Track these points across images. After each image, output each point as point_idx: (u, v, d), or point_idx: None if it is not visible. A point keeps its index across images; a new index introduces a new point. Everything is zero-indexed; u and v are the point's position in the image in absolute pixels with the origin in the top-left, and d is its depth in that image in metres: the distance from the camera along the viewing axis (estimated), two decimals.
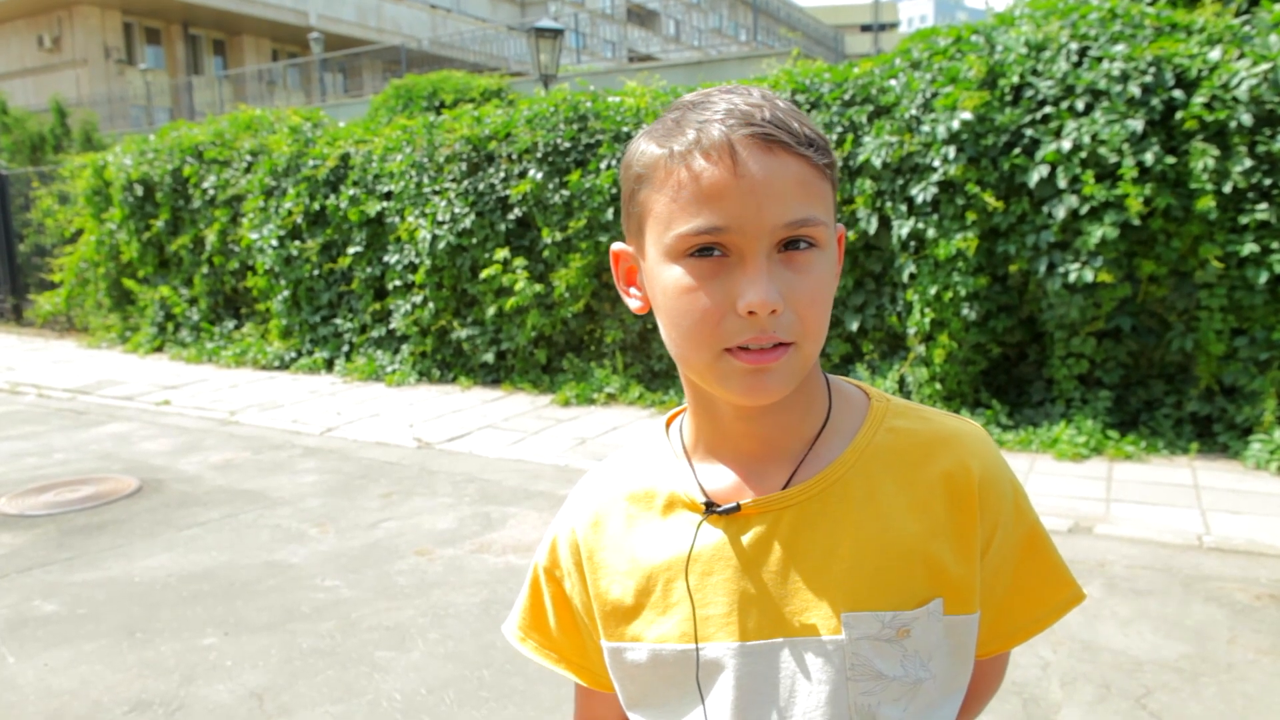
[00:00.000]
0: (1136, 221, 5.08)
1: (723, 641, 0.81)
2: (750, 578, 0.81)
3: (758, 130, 0.73)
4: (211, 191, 9.85)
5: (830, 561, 0.80)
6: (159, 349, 10.67)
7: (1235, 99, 4.99)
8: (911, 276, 5.88)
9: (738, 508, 0.81)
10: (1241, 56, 5.08)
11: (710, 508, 0.82)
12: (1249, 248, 4.94)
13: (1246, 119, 4.91)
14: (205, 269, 10.14)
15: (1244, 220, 4.99)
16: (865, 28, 55.41)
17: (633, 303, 0.85)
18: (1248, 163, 4.93)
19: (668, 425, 0.93)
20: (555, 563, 0.93)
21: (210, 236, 9.82)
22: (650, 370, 7.42)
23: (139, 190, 10.46)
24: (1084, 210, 5.20)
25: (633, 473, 0.91)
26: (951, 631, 0.81)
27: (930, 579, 0.80)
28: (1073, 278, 5.26)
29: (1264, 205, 4.94)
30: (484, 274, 7.61)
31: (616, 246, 0.86)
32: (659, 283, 0.77)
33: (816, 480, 0.81)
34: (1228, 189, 4.98)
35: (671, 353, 0.80)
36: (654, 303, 0.80)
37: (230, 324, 10.22)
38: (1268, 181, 4.94)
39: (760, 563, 0.81)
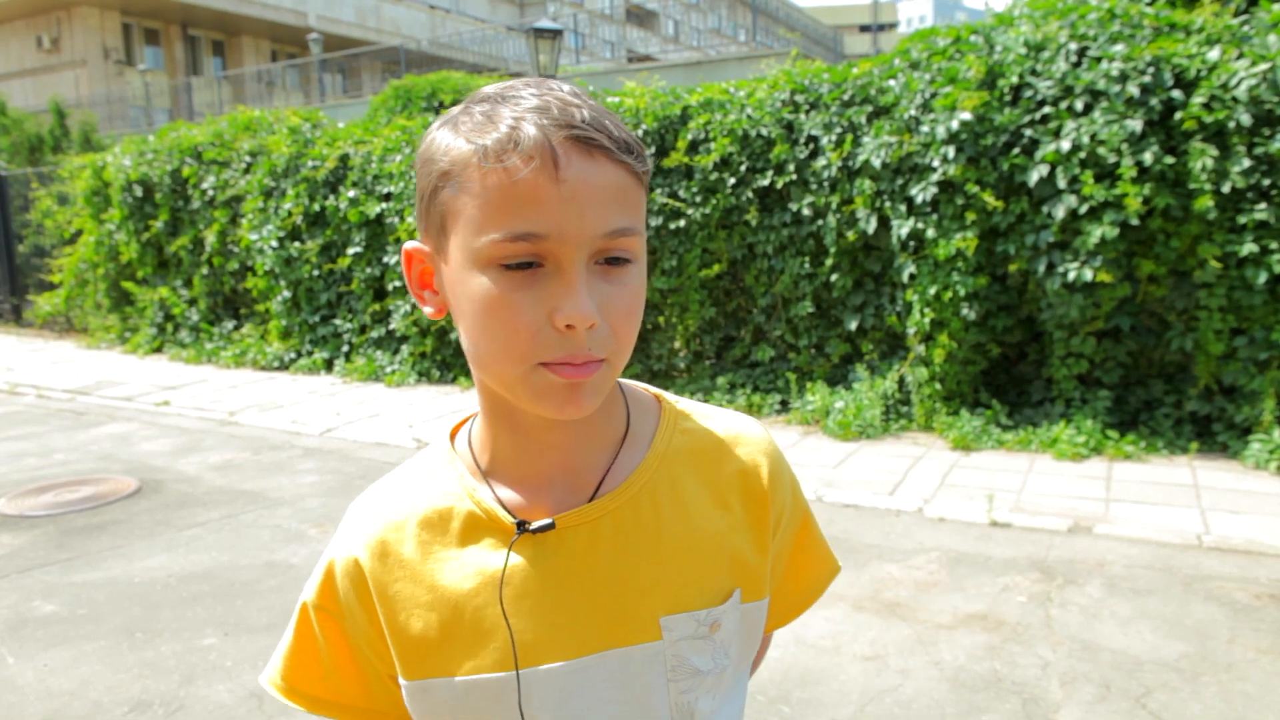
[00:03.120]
0: (1135, 221, 5.08)
1: (544, 664, 0.76)
2: (567, 595, 0.77)
3: (579, 133, 0.67)
4: (211, 192, 9.85)
5: (647, 568, 0.78)
6: (158, 350, 10.67)
7: (1234, 99, 4.99)
8: (911, 276, 5.88)
9: (552, 525, 0.77)
10: (1240, 56, 5.09)
11: (521, 527, 0.77)
12: (1248, 248, 4.95)
13: (1245, 119, 4.91)
14: (205, 270, 10.14)
15: (1243, 220, 4.99)
16: (864, 28, 55.45)
17: (427, 308, 0.78)
18: (1246, 163, 4.93)
19: (452, 437, 0.86)
20: (331, 599, 0.83)
21: (210, 237, 9.82)
22: (649, 370, 7.42)
23: (138, 191, 10.46)
24: (1083, 210, 5.21)
25: (420, 493, 0.82)
26: (747, 617, 0.83)
27: (732, 572, 0.81)
28: (1072, 277, 5.27)
29: (1263, 205, 4.95)
30: None
31: (409, 245, 0.78)
32: (464, 290, 0.71)
33: (624, 487, 0.79)
34: (1226, 189, 4.98)
35: (472, 360, 0.75)
36: (456, 309, 0.74)
37: (230, 325, 10.22)
38: (1266, 182, 4.95)
39: (576, 578, 0.77)
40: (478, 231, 0.68)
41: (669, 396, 0.88)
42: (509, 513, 0.78)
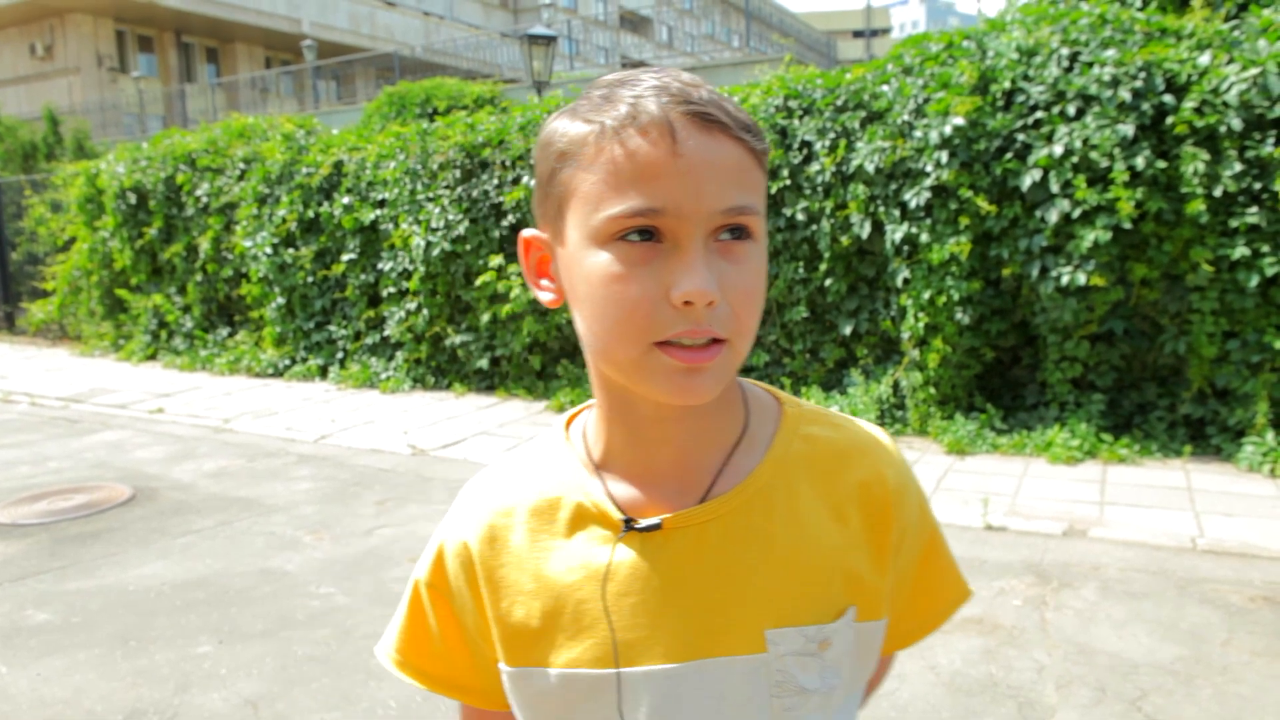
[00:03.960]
0: (1128, 225, 5.10)
1: (644, 665, 0.75)
2: (670, 597, 0.76)
3: (696, 109, 0.68)
4: (205, 199, 9.84)
5: (753, 577, 0.76)
6: (152, 357, 10.64)
7: (1225, 104, 5.02)
8: (905, 281, 5.90)
9: (659, 525, 0.76)
10: (1230, 61, 5.11)
11: (628, 524, 0.76)
12: (1239, 251, 4.97)
13: (1236, 123, 4.94)
14: (199, 277, 10.12)
15: (1234, 224, 5.01)
16: (857, 33, 55.62)
17: (544, 295, 0.78)
18: (1237, 167, 4.96)
19: (567, 426, 0.86)
20: (441, 578, 0.84)
21: (204, 244, 9.80)
22: None
23: (132, 198, 10.44)
24: (1076, 214, 5.23)
25: (531, 481, 0.83)
26: (861, 637, 0.79)
27: (847, 589, 0.78)
28: (1065, 281, 5.28)
29: (1254, 209, 4.97)
30: (478, 281, 7.61)
31: (527, 233, 0.78)
32: (581, 270, 0.71)
33: (737, 491, 0.77)
34: (1218, 193, 5.00)
35: (589, 348, 0.74)
36: (572, 294, 0.74)
37: (224, 331, 10.20)
38: (1257, 185, 4.97)
39: (680, 581, 0.76)
40: (595, 207, 0.68)
41: (793, 399, 0.85)
42: (618, 508, 0.77)
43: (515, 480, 0.84)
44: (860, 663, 0.81)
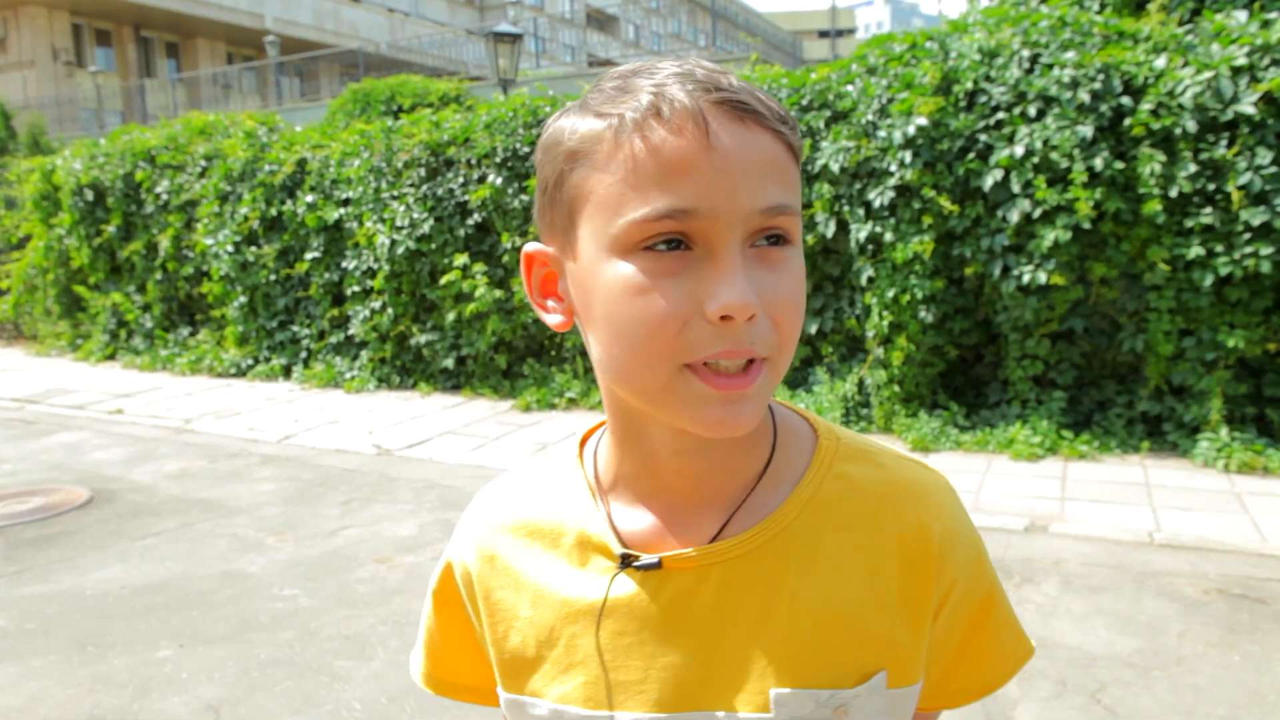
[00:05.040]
0: (1087, 225, 5.19)
1: (636, 711, 0.69)
2: (669, 641, 0.69)
3: (729, 96, 0.60)
4: (165, 196, 9.70)
5: (762, 629, 0.68)
6: (111, 357, 10.46)
7: (1180, 106, 5.11)
8: (870, 280, 5.95)
9: (659, 563, 0.69)
10: (1185, 65, 5.21)
11: (626, 560, 0.70)
12: (1194, 251, 5.07)
13: (1191, 125, 5.03)
14: (159, 275, 9.97)
15: (1189, 224, 5.11)
16: (823, 34, 55.97)
17: (551, 318, 0.69)
18: (1192, 168, 5.05)
19: (582, 444, 0.79)
20: (450, 590, 0.82)
21: (164, 242, 9.66)
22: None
23: (89, 195, 10.26)
24: (1037, 214, 5.30)
25: (535, 502, 0.77)
26: (893, 704, 0.70)
27: (876, 652, 0.69)
28: (1026, 280, 5.36)
29: (1208, 209, 5.07)
30: (443, 279, 7.56)
31: (529, 248, 0.69)
32: (599, 285, 0.62)
33: (753, 534, 0.69)
34: (1174, 194, 5.10)
35: (605, 372, 0.66)
36: (586, 313, 0.66)
37: (185, 331, 10.06)
38: (1211, 186, 5.07)
39: (682, 624, 0.69)
40: (615, 211, 0.60)
41: (832, 429, 0.75)
42: (620, 541, 0.71)
43: (520, 499, 0.78)
44: None
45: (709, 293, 0.59)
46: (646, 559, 0.69)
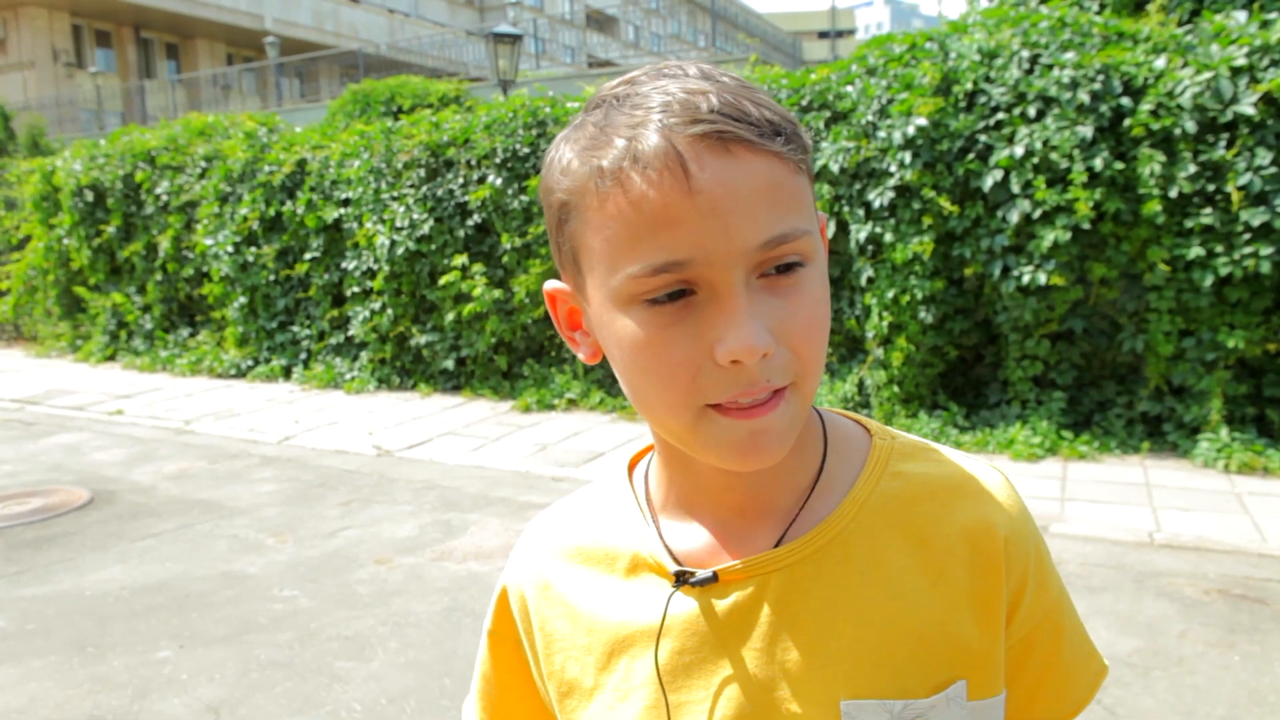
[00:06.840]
0: (1087, 225, 5.19)
1: None
2: (731, 657, 0.67)
3: (709, 129, 0.56)
4: (165, 197, 9.70)
5: (827, 638, 0.66)
6: (111, 358, 10.46)
7: (1179, 106, 5.11)
8: (869, 280, 5.95)
9: (714, 577, 0.67)
10: (1185, 65, 5.21)
11: (681, 578, 0.68)
12: (1194, 251, 5.07)
13: (1190, 126, 5.03)
14: (159, 276, 9.97)
15: (1189, 224, 5.11)
16: (823, 34, 55.98)
17: (581, 352, 0.69)
18: (1192, 168, 5.05)
19: (631, 467, 0.78)
20: (506, 624, 0.80)
21: (164, 243, 9.66)
22: (611, 375, 7.42)
23: (89, 196, 10.26)
24: (1036, 214, 5.30)
25: (588, 527, 0.76)
26: (976, 718, 0.66)
27: (950, 659, 0.66)
28: (1026, 280, 5.36)
29: (1208, 210, 5.07)
30: (443, 280, 7.57)
31: (550, 286, 0.69)
32: (610, 335, 0.62)
33: (810, 537, 0.67)
34: (1173, 194, 5.10)
35: (636, 407, 0.65)
36: (608, 354, 0.65)
37: (185, 332, 10.06)
38: (1211, 187, 5.07)
39: (743, 638, 0.67)
40: (612, 267, 0.59)
41: (886, 430, 0.74)
42: (674, 559, 0.70)
43: (572, 526, 0.77)
44: None
45: (716, 336, 0.57)
46: (702, 574, 0.68)
